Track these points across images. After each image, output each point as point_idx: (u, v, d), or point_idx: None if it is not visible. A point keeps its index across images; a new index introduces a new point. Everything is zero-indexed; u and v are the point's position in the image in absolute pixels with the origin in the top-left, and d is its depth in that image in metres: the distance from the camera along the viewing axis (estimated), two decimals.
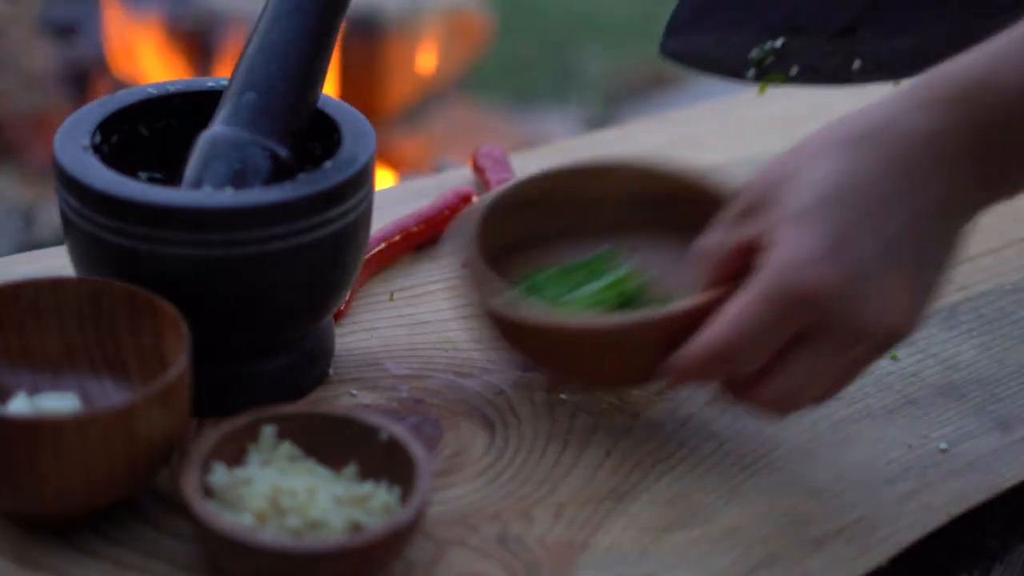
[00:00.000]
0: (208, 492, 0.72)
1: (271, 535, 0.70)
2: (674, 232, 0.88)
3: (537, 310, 0.80)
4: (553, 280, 0.87)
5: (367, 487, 0.73)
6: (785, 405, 0.76)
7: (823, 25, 0.96)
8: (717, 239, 0.77)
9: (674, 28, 1.00)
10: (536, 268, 0.89)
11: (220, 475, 0.73)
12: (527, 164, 1.15)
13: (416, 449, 0.74)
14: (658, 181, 0.89)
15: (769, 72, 0.97)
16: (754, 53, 0.97)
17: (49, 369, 0.79)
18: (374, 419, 0.76)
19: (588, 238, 0.91)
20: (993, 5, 0.92)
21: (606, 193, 0.90)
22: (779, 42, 0.96)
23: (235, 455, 0.74)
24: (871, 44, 0.95)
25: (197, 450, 0.73)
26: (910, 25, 0.94)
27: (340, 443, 0.75)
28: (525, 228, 0.90)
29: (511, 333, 0.81)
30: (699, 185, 0.88)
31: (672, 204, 0.89)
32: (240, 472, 0.73)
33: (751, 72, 0.97)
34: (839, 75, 0.96)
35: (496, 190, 0.90)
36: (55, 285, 0.79)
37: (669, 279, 0.87)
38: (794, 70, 0.96)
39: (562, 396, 0.86)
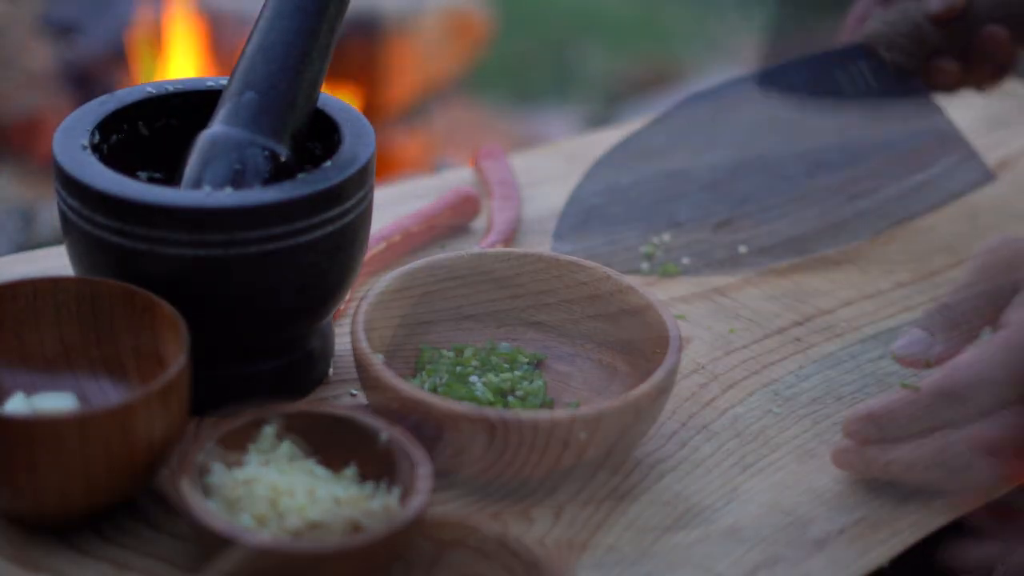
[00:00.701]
0: (207, 491, 0.72)
1: (270, 536, 0.70)
2: (606, 348, 0.87)
3: (409, 386, 0.77)
4: (452, 360, 0.85)
5: (367, 488, 0.73)
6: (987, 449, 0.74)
7: (702, 220, 1.03)
8: (963, 294, 0.78)
9: (562, 234, 1.03)
10: (452, 343, 0.87)
11: (219, 474, 0.73)
12: (527, 164, 1.15)
13: (416, 450, 0.74)
14: (615, 296, 0.86)
15: (662, 264, 1.00)
16: (643, 249, 1.01)
17: (46, 369, 0.79)
18: (375, 420, 0.75)
19: (521, 327, 0.89)
20: (854, 185, 1.03)
21: (559, 287, 0.88)
22: (665, 236, 1.02)
23: (235, 453, 0.74)
24: (750, 231, 1.02)
25: (196, 448, 0.73)
26: (781, 212, 1.03)
27: (341, 444, 0.75)
28: (460, 301, 0.88)
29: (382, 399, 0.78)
30: (652, 313, 0.84)
31: (616, 320, 0.86)
32: (239, 472, 0.73)
33: (645, 266, 1.01)
34: (728, 261, 1.00)
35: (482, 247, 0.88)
36: (53, 285, 0.79)
37: (570, 392, 0.85)
38: (685, 260, 1.00)
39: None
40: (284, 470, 0.73)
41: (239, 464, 0.74)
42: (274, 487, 0.72)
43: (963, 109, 1.27)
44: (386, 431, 0.75)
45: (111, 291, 0.78)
